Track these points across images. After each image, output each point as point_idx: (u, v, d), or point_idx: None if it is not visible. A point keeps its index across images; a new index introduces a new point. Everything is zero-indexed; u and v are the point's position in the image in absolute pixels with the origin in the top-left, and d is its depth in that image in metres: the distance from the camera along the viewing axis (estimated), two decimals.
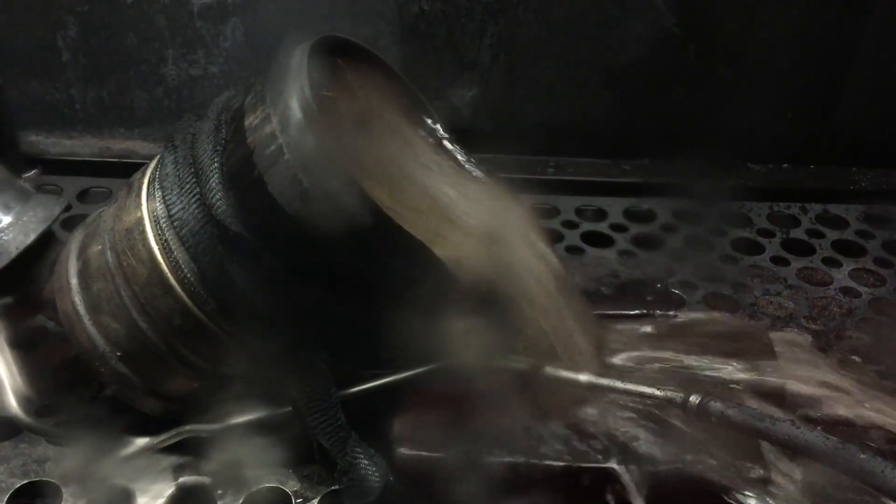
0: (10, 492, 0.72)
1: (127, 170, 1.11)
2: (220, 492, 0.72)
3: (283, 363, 0.68)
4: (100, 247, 0.72)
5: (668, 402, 0.65)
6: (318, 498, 0.72)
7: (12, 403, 0.73)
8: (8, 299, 0.78)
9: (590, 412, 0.70)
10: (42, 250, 0.76)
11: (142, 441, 0.74)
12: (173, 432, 0.73)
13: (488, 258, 0.67)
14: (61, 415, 0.78)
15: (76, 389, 0.80)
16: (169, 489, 0.72)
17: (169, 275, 0.68)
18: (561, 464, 0.67)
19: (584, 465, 0.67)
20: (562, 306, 0.74)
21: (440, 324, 0.65)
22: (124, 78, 1.18)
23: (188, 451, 0.74)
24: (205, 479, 0.73)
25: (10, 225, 0.75)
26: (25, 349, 0.79)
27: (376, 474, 0.68)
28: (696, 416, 0.63)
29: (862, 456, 0.56)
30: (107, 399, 0.77)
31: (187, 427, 0.73)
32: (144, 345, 0.70)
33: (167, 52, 1.16)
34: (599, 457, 0.67)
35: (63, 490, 0.72)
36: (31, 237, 0.75)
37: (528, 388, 0.69)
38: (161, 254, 0.68)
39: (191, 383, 0.72)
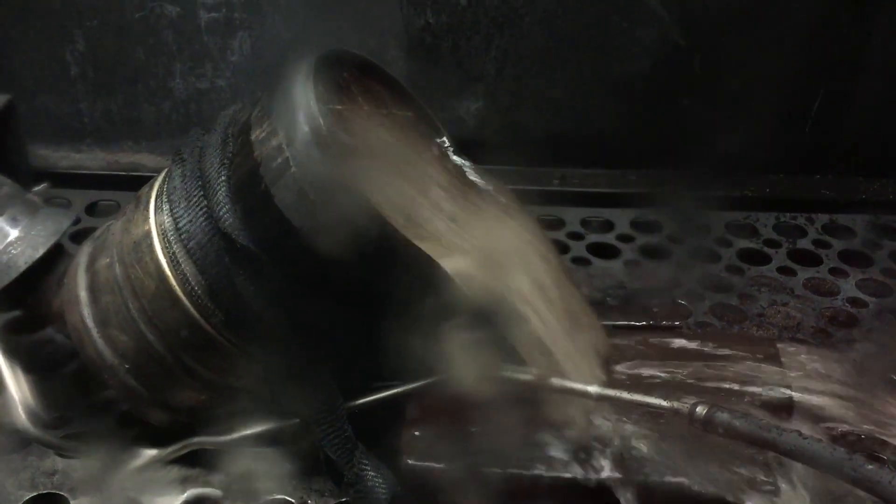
0: None
1: (135, 183, 1.12)
2: None
3: (289, 375, 0.68)
4: (108, 260, 0.72)
5: (674, 413, 0.65)
6: None
7: (21, 416, 0.74)
8: (16, 312, 0.79)
9: (595, 424, 0.70)
10: (51, 264, 0.77)
11: (150, 453, 0.74)
12: (181, 444, 0.73)
13: (494, 273, 0.68)
14: (70, 427, 0.79)
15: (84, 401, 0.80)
16: (176, 501, 0.73)
17: (176, 287, 0.68)
18: (566, 476, 0.67)
19: (588, 478, 0.67)
20: (568, 317, 0.74)
21: (446, 336, 0.65)
22: (132, 92, 1.18)
23: (196, 462, 0.74)
24: (212, 491, 0.73)
25: (18, 238, 0.75)
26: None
27: (383, 486, 0.68)
28: (703, 426, 0.63)
29: (868, 467, 0.56)
30: (115, 411, 0.77)
31: (196, 439, 0.73)
32: (152, 357, 0.70)
33: (175, 65, 1.17)
34: (603, 470, 0.67)
35: (71, 502, 0.72)
36: (40, 251, 0.75)
37: (534, 399, 0.69)
38: (169, 266, 0.68)
39: (199, 395, 0.72)
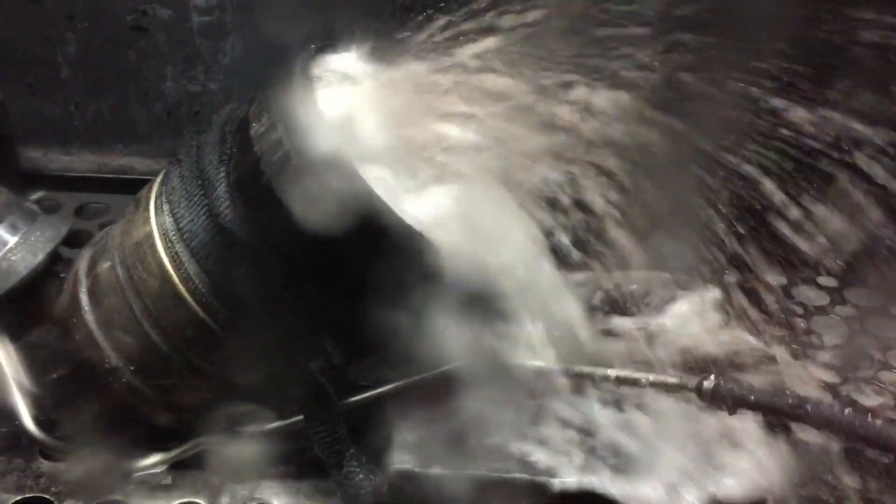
0: None
1: (125, 185, 1.13)
2: None
3: (287, 372, 0.68)
4: (109, 263, 0.72)
5: (681, 389, 0.66)
6: None
7: (27, 420, 0.73)
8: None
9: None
10: (50, 269, 0.77)
11: (156, 456, 0.74)
12: (190, 444, 0.73)
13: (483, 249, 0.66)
14: (73, 430, 0.78)
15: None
16: None
17: (180, 287, 0.68)
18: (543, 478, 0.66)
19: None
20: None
21: (444, 326, 0.64)
22: (123, 94, 1.18)
23: (185, 464, 0.74)
24: (200, 494, 0.73)
25: (17, 245, 0.75)
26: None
27: (368, 489, 0.67)
28: (711, 399, 0.63)
29: (878, 422, 0.57)
30: (118, 413, 0.77)
31: (203, 439, 0.73)
32: (158, 357, 0.70)
33: (166, 68, 1.17)
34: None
35: None
36: (40, 257, 0.75)
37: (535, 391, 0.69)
38: (172, 266, 0.68)
39: (205, 394, 0.72)
